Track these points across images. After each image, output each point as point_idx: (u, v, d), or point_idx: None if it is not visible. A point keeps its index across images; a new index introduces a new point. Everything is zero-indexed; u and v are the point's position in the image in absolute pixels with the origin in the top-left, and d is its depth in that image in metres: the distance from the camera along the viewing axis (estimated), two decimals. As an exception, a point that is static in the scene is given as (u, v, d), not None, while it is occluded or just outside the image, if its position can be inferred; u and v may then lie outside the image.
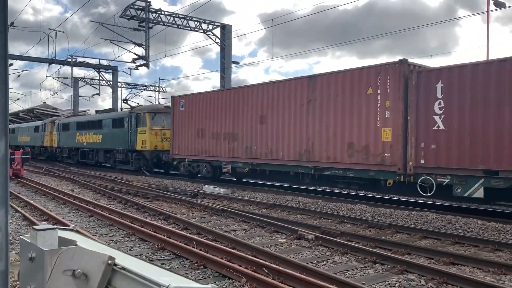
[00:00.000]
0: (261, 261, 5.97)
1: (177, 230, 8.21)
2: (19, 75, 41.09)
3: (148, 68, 27.89)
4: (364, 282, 5.49)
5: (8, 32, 2.13)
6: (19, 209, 10.53)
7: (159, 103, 36.59)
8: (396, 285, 5.46)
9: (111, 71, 37.41)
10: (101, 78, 38.29)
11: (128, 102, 27.04)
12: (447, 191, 10.50)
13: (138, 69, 28.52)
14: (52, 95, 49.94)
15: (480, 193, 9.87)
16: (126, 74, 50.07)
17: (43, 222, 9.22)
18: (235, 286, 5.28)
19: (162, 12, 25.98)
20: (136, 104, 26.43)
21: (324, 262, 6.49)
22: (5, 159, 2.08)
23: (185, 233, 7.92)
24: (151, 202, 12.59)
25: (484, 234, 8.53)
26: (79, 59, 32.98)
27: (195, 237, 7.54)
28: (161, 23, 26.08)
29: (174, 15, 26.53)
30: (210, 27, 27.59)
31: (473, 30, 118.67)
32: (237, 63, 33.15)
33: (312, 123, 13.43)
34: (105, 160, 26.06)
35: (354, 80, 12.33)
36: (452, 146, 10.24)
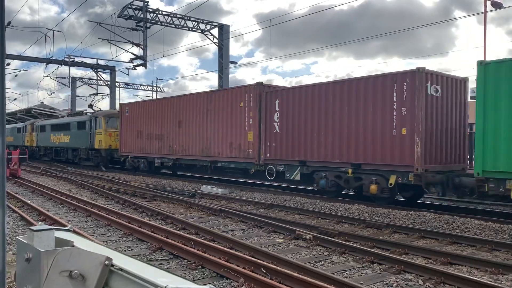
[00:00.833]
0: (259, 261, 5.97)
1: (175, 230, 8.20)
2: (16, 75, 41.08)
3: (146, 68, 27.87)
4: (361, 282, 5.50)
5: (5, 31, 2.12)
6: (16, 209, 10.48)
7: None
8: (394, 285, 5.47)
9: (108, 71, 37.34)
10: (98, 78, 38.23)
11: (93, 107, 29.74)
12: (282, 176, 14.85)
13: (135, 69, 28.57)
14: (49, 95, 49.76)
15: (298, 177, 14.33)
16: (123, 74, 50.06)
17: (40, 222, 9.19)
18: (233, 286, 5.28)
19: (160, 12, 25.96)
20: (98, 109, 29.51)
21: (322, 262, 6.49)
22: (2, 159, 2.08)
23: (183, 233, 7.91)
24: (148, 202, 12.57)
25: (482, 234, 8.55)
26: (76, 59, 32.93)
27: (193, 237, 7.53)
28: (159, 23, 26.06)
29: (172, 15, 26.50)
30: (208, 27, 27.58)
31: (469, 31, 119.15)
32: (235, 63, 33.26)
33: (209, 128, 17.71)
34: (72, 157, 29.62)
35: (233, 96, 16.62)
36: (283, 144, 14.65)
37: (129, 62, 28.13)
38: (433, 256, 6.72)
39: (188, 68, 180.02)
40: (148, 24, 25.83)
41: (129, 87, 51.71)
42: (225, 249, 6.65)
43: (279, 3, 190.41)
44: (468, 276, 5.52)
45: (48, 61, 31.53)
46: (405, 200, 12.57)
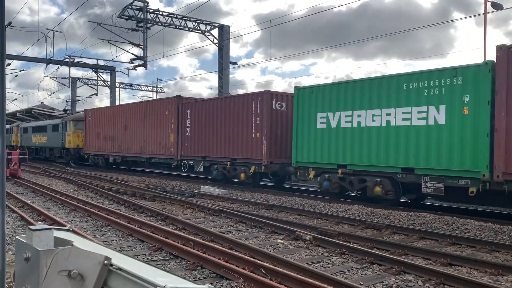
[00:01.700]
0: (258, 261, 5.96)
1: (174, 231, 8.20)
2: (16, 75, 41.17)
3: (146, 68, 27.89)
4: (361, 283, 5.49)
5: (5, 32, 2.12)
6: (16, 209, 10.48)
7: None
8: (394, 285, 5.47)
9: (108, 71, 37.34)
10: (98, 79, 38.24)
11: (67, 112, 34.85)
12: (192, 168, 19.09)
13: (136, 69, 28.57)
14: (49, 95, 49.88)
15: (202, 168, 18.44)
16: (123, 75, 50.12)
17: (40, 222, 9.19)
18: (232, 286, 5.27)
19: (160, 13, 25.96)
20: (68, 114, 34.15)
21: (322, 263, 6.49)
22: (2, 159, 2.08)
23: (182, 234, 7.91)
24: (148, 203, 12.57)
25: (481, 235, 8.55)
26: (76, 60, 32.93)
27: (192, 237, 7.53)
28: (159, 24, 26.06)
29: (172, 15, 26.51)
30: (208, 27, 27.58)
31: (468, 32, 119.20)
32: (235, 63, 33.24)
33: (145, 131, 21.85)
34: (49, 155, 33.81)
35: (162, 105, 20.86)
36: (193, 144, 18.80)
37: (129, 62, 28.14)
38: (433, 257, 6.71)
39: (187, 69, 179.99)
40: (149, 25, 25.83)
41: (129, 87, 51.73)
42: (224, 249, 6.65)
43: (278, 4, 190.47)
44: (467, 277, 5.51)
45: (48, 61, 31.53)
46: (409, 201, 12.75)
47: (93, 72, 36.68)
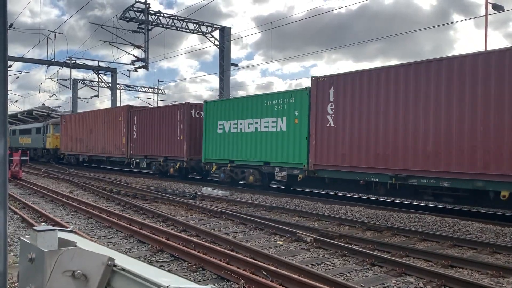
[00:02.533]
0: (259, 263, 5.97)
1: (175, 232, 8.21)
2: (17, 77, 41.30)
3: (147, 70, 27.94)
4: (362, 285, 5.50)
5: (7, 33, 2.14)
6: (17, 211, 10.50)
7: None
8: (395, 287, 5.47)
9: (110, 73, 37.38)
10: (100, 80, 38.27)
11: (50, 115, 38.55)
12: (139, 165, 22.69)
13: (137, 71, 28.59)
14: (50, 96, 49.91)
15: (144, 165, 22.40)
16: (124, 76, 50.13)
17: (42, 223, 9.20)
18: (233, 288, 5.28)
19: (161, 14, 25.99)
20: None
21: (323, 265, 6.50)
22: (4, 161, 2.09)
23: (183, 235, 7.91)
24: (149, 204, 12.58)
25: (483, 237, 8.54)
26: (77, 61, 32.98)
27: (193, 239, 7.54)
28: (160, 25, 26.09)
29: (173, 17, 26.54)
30: (209, 29, 27.61)
31: (467, 34, 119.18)
32: (236, 65, 33.30)
33: (105, 134, 25.70)
34: (33, 155, 36.37)
35: (117, 112, 24.88)
36: (139, 145, 22.48)
37: (130, 64, 28.16)
38: (434, 259, 6.71)
39: (187, 71, 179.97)
40: (150, 26, 25.86)
41: (130, 89, 51.70)
42: (225, 251, 6.65)
43: (278, 6, 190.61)
44: (469, 279, 5.52)
45: (49, 63, 31.59)
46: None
47: (94, 74, 36.75)
